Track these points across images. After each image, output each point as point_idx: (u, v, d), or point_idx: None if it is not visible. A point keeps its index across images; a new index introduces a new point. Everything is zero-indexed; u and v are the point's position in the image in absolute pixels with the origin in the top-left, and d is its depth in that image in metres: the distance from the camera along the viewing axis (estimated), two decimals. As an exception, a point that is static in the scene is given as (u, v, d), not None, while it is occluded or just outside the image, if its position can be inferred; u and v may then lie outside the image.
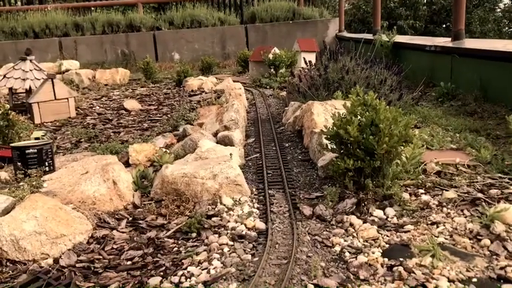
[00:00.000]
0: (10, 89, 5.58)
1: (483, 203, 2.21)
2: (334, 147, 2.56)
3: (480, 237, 1.95)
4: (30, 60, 5.65)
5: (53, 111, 5.13)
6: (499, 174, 2.58)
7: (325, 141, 2.68)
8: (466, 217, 2.14)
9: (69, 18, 11.12)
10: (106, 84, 7.87)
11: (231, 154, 2.92)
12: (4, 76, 5.58)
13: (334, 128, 2.48)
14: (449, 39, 5.60)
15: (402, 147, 2.44)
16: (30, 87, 5.47)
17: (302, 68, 5.03)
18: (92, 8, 12.32)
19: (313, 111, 3.53)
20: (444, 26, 13.70)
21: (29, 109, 5.11)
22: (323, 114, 3.51)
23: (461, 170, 2.71)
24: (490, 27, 13.26)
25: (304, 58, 5.03)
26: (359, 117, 2.42)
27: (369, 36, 8.16)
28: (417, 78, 5.36)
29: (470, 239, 1.96)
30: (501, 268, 1.72)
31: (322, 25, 11.02)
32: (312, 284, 1.69)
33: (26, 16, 11.10)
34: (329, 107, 3.61)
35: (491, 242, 1.90)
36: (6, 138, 3.68)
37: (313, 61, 4.83)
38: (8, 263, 1.97)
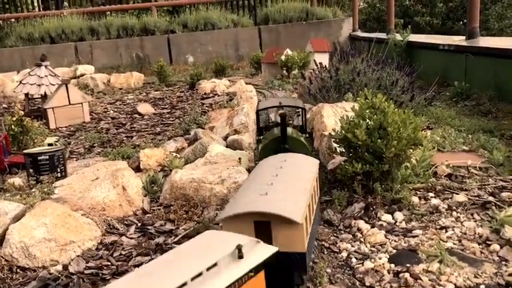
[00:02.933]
0: (26, 94, 5.68)
1: (493, 207, 2.17)
2: (343, 150, 2.54)
3: (489, 242, 1.91)
4: (46, 66, 5.75)
5: (67, 116, 5.21)
6: (511, 177, 2.53)
7: (334, 145, 2.67)
8: (475, 221, 2.11)
9: (85, 23, 11.26)
10: (120, 88, 7.95)
11: (239, 158, 2.92)
12: (20, 82, 5.69)
13: (343, 132, 2.46)
14: (464, 37, 5.53)
15: (411, 150, 2.42)
16: (45, 93, 5.57)
17: (313, 69, 5.01)
18: (107, 13, 12.45)
19: (323, 113, 3.51)
20: (461, 22, 13.49)
21: (44, 114, 5.19)
22: (333, 116, 3.49)
23: (472, 172, 2.67)
24: (508, 23, 13.00)
25: (314, 60, 5.01)
26: (367, 120, 2.40)
27: (383, 35, 8.09)
28: (431, 78, 5.29)
29: (479, 244, 1.93)
30: (510, 274, 1.68)
31: (335, 25, 10.97)
32: (316, 291, 1.69)
33: (43, 22, 11.28)
34: (339, 110, 3.58)
35: (501, 248, 1.86)
36: (21, 144, 3.75)
37: (326, 61, 4.81)
38: (18, 270, 2.00)
